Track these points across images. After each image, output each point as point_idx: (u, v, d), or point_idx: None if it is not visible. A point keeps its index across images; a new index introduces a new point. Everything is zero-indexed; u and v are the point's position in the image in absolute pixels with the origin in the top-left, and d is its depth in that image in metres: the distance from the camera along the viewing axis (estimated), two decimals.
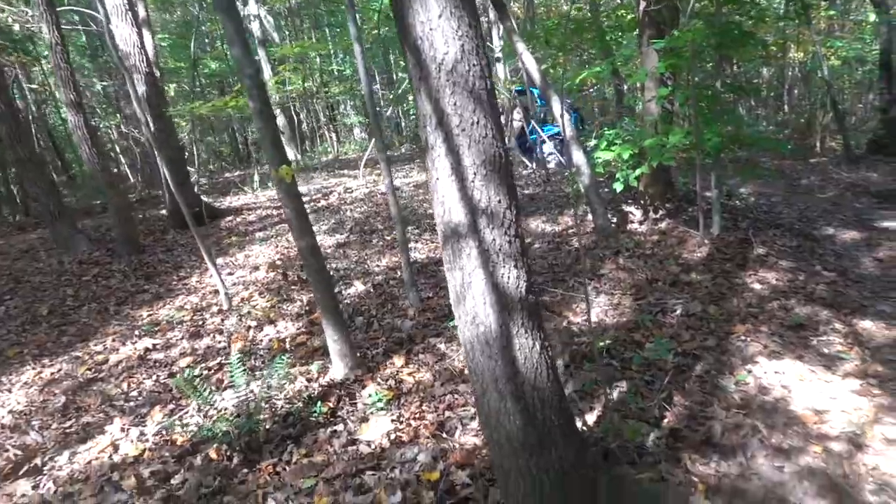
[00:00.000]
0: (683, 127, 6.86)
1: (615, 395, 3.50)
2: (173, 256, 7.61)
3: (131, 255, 7.45)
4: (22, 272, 7.28)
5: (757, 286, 5.07)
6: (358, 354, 4.14)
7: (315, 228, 8.58)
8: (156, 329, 5.18)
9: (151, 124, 8.74)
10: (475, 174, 1.91)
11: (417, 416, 3.36)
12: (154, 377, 4.27)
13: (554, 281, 5.57)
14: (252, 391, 3.43)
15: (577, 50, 9.09)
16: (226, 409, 3.40)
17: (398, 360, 4.05)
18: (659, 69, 6.29)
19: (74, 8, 9.34)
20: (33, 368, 4.65)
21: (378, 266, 6.54)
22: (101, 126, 16.82)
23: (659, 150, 6.10)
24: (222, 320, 5.21)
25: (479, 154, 1.89)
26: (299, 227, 3.60)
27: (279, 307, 5.41)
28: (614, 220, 7.19)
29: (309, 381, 3.88)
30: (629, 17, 7.90)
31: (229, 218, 9.60)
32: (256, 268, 6.75)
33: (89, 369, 4.52)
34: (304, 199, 11.20)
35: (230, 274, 6.71)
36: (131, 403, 3.94)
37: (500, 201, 1.94)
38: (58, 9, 7.40)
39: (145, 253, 7.69)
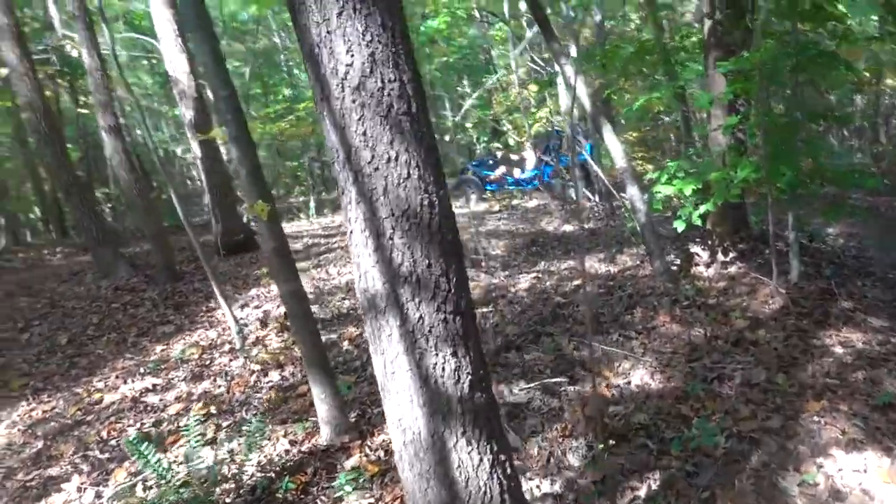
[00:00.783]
0: (755, 159, 6.10)
1: (643, 491, 2.84)
2: (208, 285, 7.40)
3: (167, 283, 7.31)
4: (61, 296, 7.26)
5: (838, 350, 4.24)
6: (355, 414, 3.66)
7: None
8: (161, 367, 4.88)
9: (198, 150, 8.72)
10: (394, 228, 1.40)
11: (400, 500, 2.83)
12: (140, 424, 3.93)
13: (598, 333, 4.91)
14: (209, 458, 3.00)
15: (640, 74, 8.41)
16: (189, 473, 2.97)
17: None
18: (725, 95, 5.59)
19: (133, 35, 9.52)
20: (29, 405, 4.43)
21: None
22: (174, 151, 17.37)
23: (725, 185, 5.37)
24: (230, 361, 4.86)
25: (398, 202, 1.39)
26: (281, 270, 3.18)
27: (293, 349, 5.02)
28: (677, 261, 6.46)
29: (293, 443, 3.42)
30: (695, 37, 7.21)
31: None
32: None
33: (80, 410, 4.24)
34: None
35: (257, 307, 6.41)
36: (105, 455, 3.59)
37: (429, 265, 1.42)
38: (118, 35, 7.48)
39: (182, 280, 7.54)
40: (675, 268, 6.28)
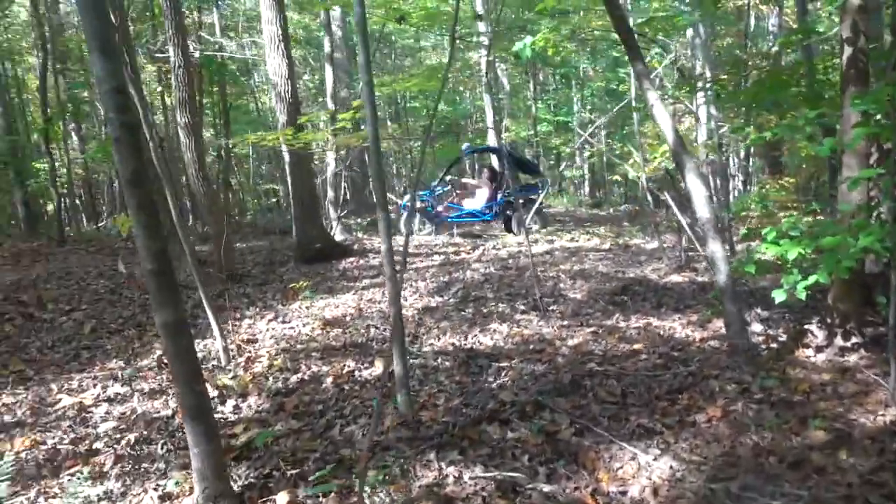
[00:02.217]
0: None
1: None
2: (262, 291, 7.26)
3: (219, 285, 7.26)
4: (118, 285, 7.46)
5: None
6: (255, 474, 3.09)
7: (421, 286, 7.66)
8: (139, 374, 4.66)
9: (286, 154, 8.70)
10: None
11: None
12: (63, 440, 3.66)
13: (615, 419, 3.89)
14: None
15: (775, 108, 7.00)
16: None
17: (282, 499, 2.90)
18: (853, 140, 4.33)
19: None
20: None
21: (432, 345, 5.40)
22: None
23: (839, 253, 4.11)
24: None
25: None
26: (158, 296, 2.70)
27: (275, 376, 4.57)
28: (782, 336, 5.22)
29: (162, 499, 2.92)
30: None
31: (352, 259, 9.15)
32: (317, 320, 6.01)
33: (31, 410, 4.09)
34: (452, 248, 10.42)
35: (285, 322, 6.08)
36: None
37: None
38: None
39: (240, 283, 7.46)
40: (774, 345, 5.06)
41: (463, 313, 6.47)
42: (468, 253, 9.90)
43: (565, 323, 6.03)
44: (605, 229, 12.53)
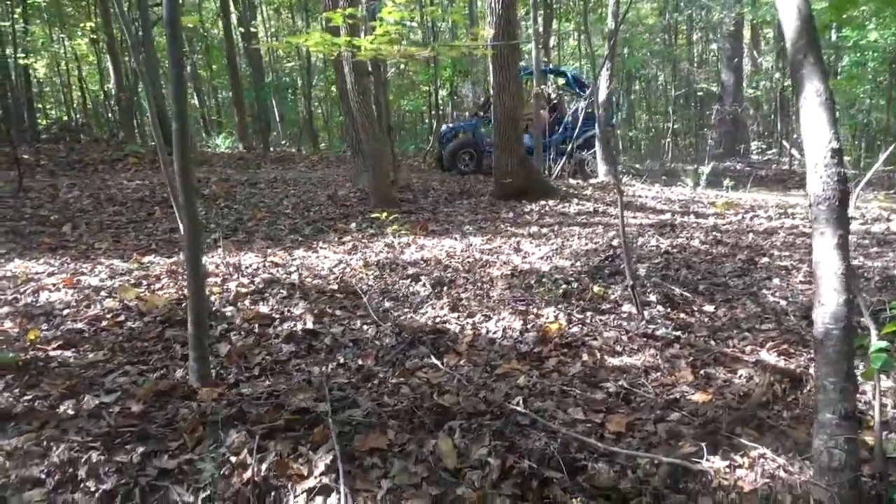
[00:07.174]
0: None
1: None
2: (396, 221, 6.79)
3: (377, 205, 7.11)
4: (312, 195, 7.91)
5: None
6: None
7: (556, 244, 6.03)
8: (135, 269, 4.84)
9: (492, 79, 7.82)
10: None
11: None
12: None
13: None
14: None
15: None
16: None
17: None
18: None
19: None
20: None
21: (407, 317, 4.23)
22: None
23: None
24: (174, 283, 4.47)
25: None
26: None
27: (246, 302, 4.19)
28: None
29: None
30: None
31: (547, 202, 7.83)
32: (366, 263, 5.30)
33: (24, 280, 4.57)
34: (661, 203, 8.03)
35: (349, 253, 5.55)
36: None
37: None
38: None
39: (396, 207, 7.15)
40: None
41: (541, 290, 4.82)
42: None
43: (660, 333, 4.00)
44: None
